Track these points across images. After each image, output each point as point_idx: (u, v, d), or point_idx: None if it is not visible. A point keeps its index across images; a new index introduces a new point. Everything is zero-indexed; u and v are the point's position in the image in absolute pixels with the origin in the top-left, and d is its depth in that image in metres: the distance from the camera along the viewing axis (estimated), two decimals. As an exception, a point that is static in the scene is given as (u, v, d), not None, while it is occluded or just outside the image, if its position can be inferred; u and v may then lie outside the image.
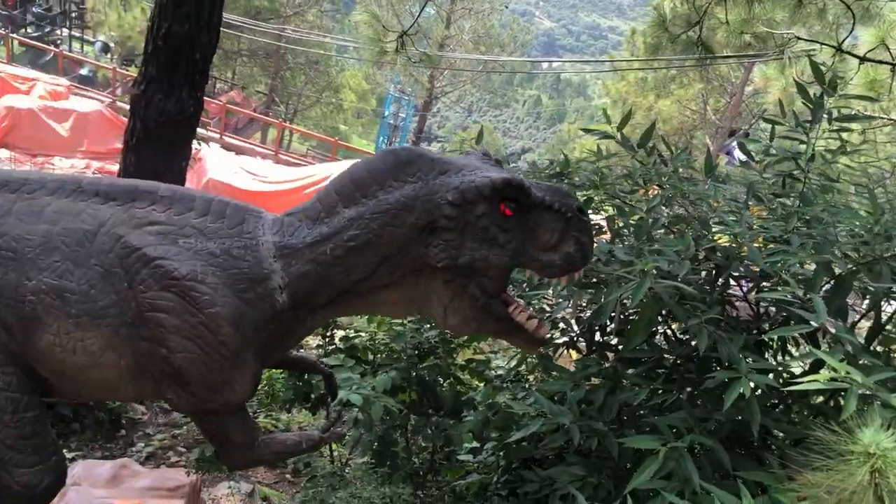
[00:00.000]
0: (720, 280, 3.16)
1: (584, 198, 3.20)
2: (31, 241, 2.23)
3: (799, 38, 6.80)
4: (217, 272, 2.26)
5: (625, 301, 2.91)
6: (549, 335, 2.60)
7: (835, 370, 1.89)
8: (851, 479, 1.33)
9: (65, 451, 4.00)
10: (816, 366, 2.43)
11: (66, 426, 4.34)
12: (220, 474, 4.10)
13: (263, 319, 2.33)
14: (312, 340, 4.62)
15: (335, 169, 16.20)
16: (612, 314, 2.82)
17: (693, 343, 3.11)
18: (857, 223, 2.70)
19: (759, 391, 2.84)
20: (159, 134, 4.35)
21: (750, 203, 3.21)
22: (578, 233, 2.39)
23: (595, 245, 2.69)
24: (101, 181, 2.40)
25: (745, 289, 3.20)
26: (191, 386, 2.31)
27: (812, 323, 2.24)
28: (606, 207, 3.20)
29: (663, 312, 3.05)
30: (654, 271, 2.56)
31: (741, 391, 2.29)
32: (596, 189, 3.28)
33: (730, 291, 3.37)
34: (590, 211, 3.24)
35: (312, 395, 3.83)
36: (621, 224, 3.16)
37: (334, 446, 4.36)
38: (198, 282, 2.22)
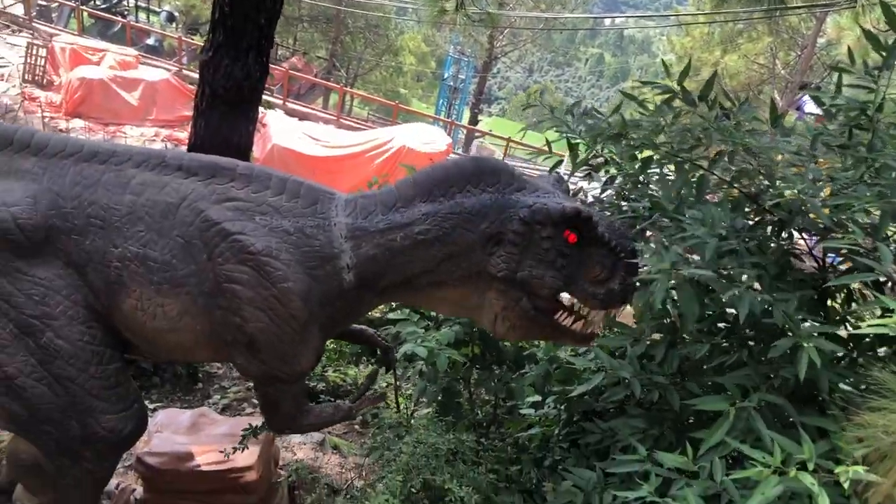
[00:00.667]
0: (783, 234, 3.12)
1: (644, 157, 3.20)
2: (118, 210, 2.37)
3: (875, -15, 6.50)
4: (290, 249, 2.39)
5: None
6: (598, 331, 2.76)
7: (901, 317, 1.88)
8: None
9: (146, 402, 4.24)
10: (884, 316, 2.40)
11: (147, 380, 4.59)
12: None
13: (330, 296, 2.47)
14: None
15: (396, 132, 16.30)
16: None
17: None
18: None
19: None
20: (227, 99, 4.48)
21: (816, 155, 3.15)
22: (626, 273, 2.56)
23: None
24: (183, 156, 2.54)
25: (811, 243, 3.16)
26: (261, 354, 2.46)
27: (877, 271, 2.22)
28: (665, 163, 3.18)
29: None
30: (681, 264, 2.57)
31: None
32: (655, 148, 3.25)
33: (796, 246, 3.33)
34: (652, 167, 3.24)
35: (378, 351, 3.96)
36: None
37: (400, 399, 4.51)
38: (272, 257, 2.36)
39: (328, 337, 2.77)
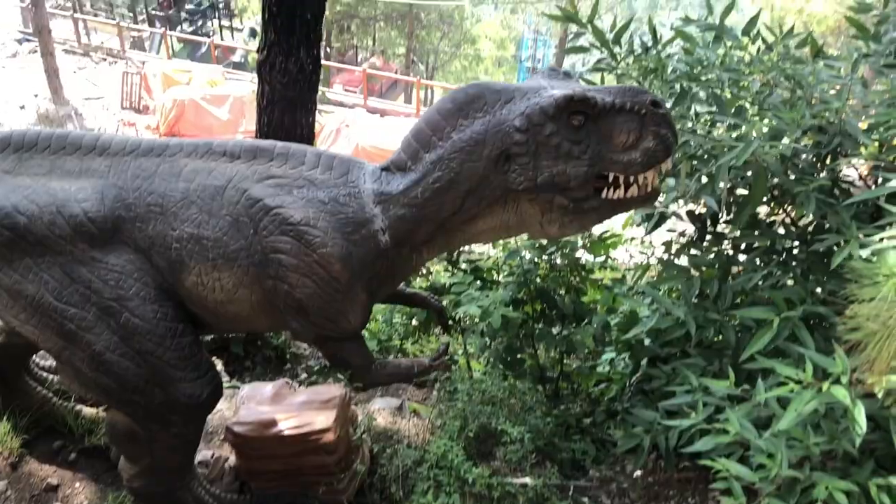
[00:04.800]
0: (829, 158, 3.07)
1: (678, 92, 3.19)
2: (173, 196, 2.63)
3: None
4: (326, 217, 2.59)
5: (731, 182, 2.89)
6: (656, 185, 2.66)
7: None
8: (878, 302, 1.36)
9: (240, 383, 4.53)
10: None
11: (240, 364, 4.89)
12: (373, 391, 4.49)
13: (369, 257, 2.65)
14: (439, 265, 4.90)
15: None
16: (722, 185, 2.77)
17: (807, 227, 3.06)
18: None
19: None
20: (285, 93, 4.72)
21: (863, 77, 3.07)
22: (657, 126, 2.47)
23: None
24: (227, 143, 2.78)
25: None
26: (311, 316, 2.69)
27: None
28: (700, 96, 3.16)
29: (774, 193, 3.01)
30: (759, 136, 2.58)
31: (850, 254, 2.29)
32: (690, 80, 3.22)
33: (845, 173, 3.26)
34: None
35: (450, 318, 4.10)
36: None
37: (474, 366, 4.64)
38: (310, 226, 2.57)
39: (377, 298, 2.95)
